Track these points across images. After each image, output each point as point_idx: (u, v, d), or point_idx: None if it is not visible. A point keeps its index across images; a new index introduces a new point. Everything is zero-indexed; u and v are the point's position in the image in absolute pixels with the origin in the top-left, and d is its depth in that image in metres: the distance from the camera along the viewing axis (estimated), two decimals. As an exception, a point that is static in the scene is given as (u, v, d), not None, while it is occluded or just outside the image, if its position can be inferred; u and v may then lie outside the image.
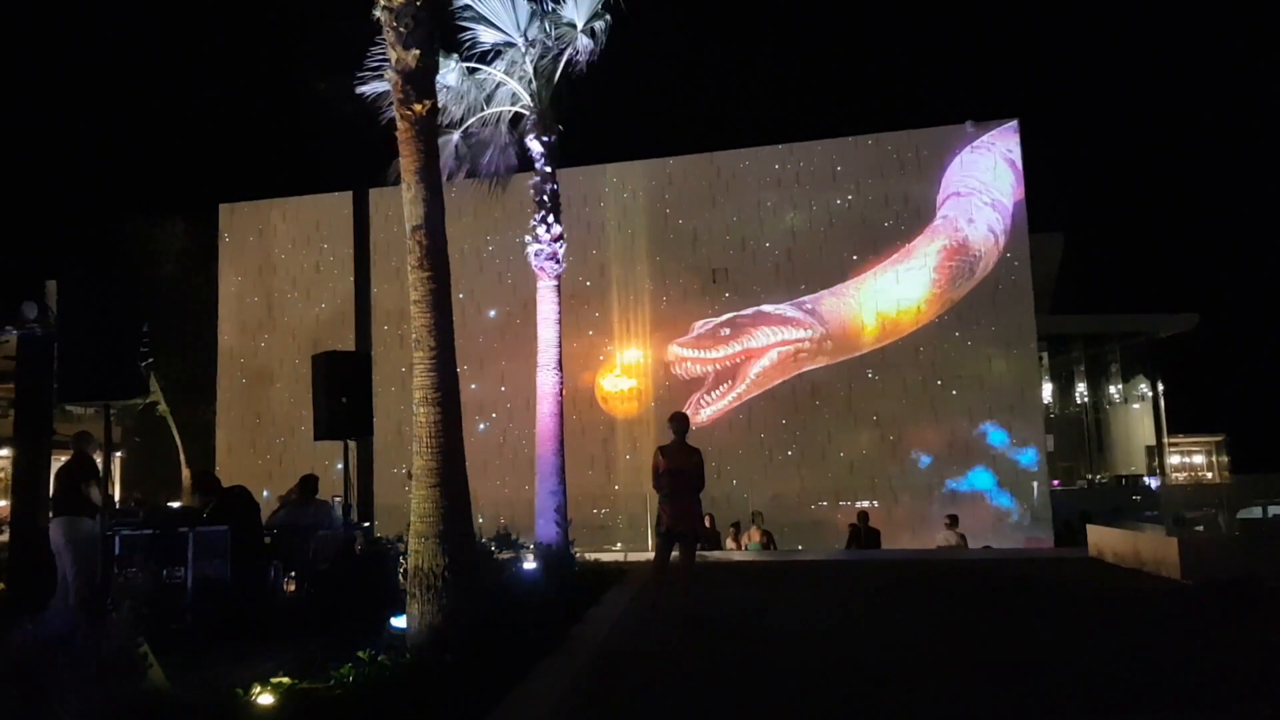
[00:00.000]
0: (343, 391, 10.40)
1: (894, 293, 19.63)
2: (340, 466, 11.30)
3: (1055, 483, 25.27)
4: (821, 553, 16.21)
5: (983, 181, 19.54)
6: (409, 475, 7.35)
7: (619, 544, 17.66)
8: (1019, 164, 19.43)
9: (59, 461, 9.75)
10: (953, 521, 16.42)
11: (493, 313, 21.10)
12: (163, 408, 26.28)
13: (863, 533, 16.35)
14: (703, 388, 20.08)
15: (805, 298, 20.10)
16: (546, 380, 12.28)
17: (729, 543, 16.89)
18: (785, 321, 19.95)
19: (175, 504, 19.14)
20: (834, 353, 19.92)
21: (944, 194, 19.69)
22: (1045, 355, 31.18)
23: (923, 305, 19.59)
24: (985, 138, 19.68)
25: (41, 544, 9.03)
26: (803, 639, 8.17)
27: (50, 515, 9.14)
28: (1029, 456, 18.86)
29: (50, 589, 8.65)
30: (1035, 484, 18.78)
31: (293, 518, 10.43)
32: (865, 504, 18.50)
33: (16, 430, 10.71)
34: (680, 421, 9.00)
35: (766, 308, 20.13)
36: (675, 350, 20.02)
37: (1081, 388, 36.78)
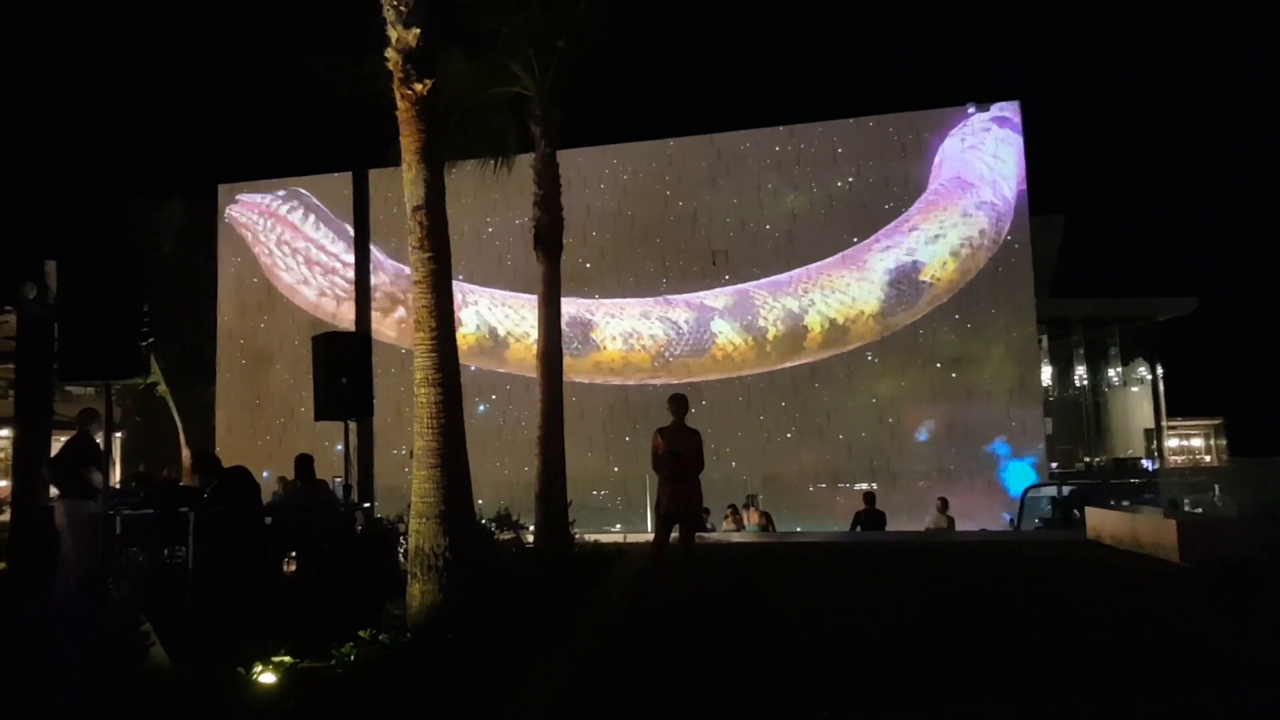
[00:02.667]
0: (343, 372, 10.40)
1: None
2: (340, 447, 11.31)
3: (1053, 465, 25.33)
4: (820, 534, 16.23)
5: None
6: (410, 456, 7.36)
7: (618, 525, 17.70)
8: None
9: (58, 441, 9.74)
10: (944, 505, 16.42)
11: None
12: (163, 388, 26.27)
13: (866, 515, 16.24)
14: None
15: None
16: (546, 361, 12.24)
17: (726, 523, 16.87)
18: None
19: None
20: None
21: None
22: (1045, 338, 31.17)
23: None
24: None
25: (42, 524, 9.04)
26: (802, 618, 8.19)
27: (54, 497, 9.14)
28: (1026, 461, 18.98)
29: (51, 568, 8.67)
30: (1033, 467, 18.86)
31: (293, 498, 10.45)
32: (865, 486, 18.52)
33: (17, 410, 10.71)
34: (679, 404, 8.99)
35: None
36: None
37: (1081, 370, 36.77)
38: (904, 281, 19.51)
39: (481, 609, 6.82)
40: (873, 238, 19.77)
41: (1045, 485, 18.32)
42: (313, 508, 10.08)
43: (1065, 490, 17.87)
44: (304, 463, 10.72)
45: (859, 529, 16.06)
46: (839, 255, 19.92)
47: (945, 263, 19.42)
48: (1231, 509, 13.41)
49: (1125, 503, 17.34)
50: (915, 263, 19.51)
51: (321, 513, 10.04)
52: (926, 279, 19.46)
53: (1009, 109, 19.67)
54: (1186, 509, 14.22)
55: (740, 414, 19.80)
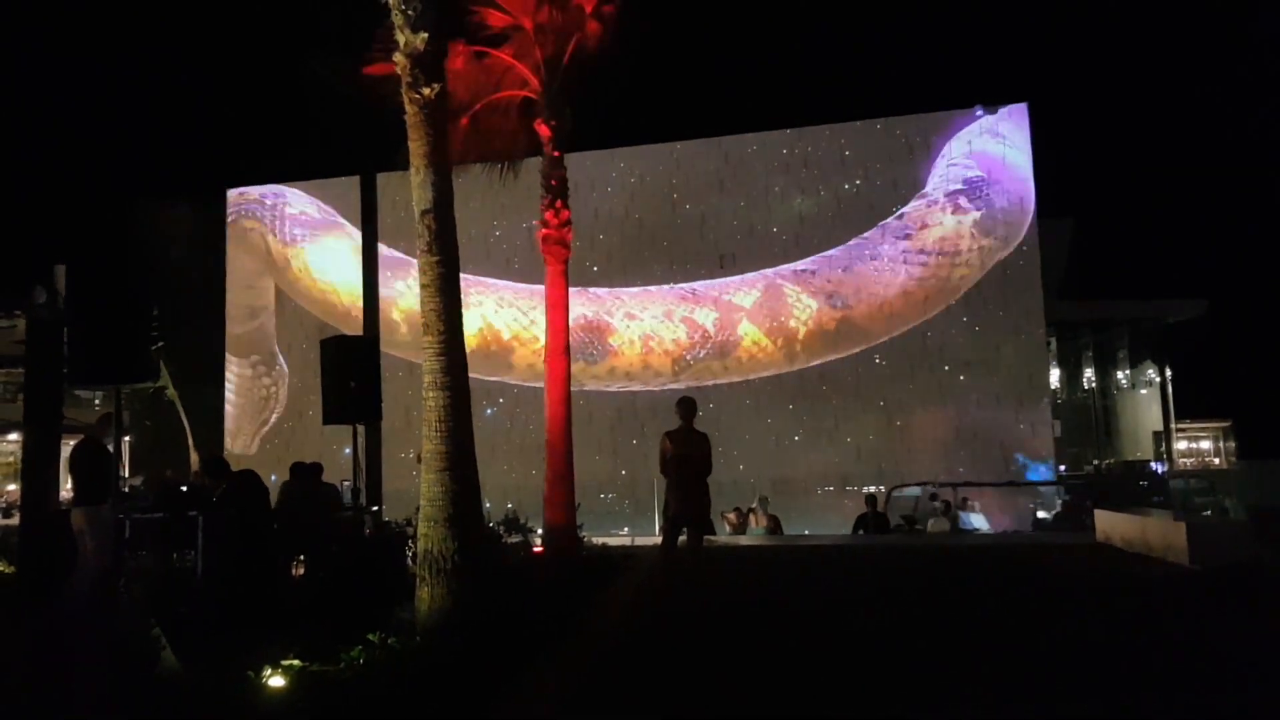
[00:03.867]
0: (351, 376, 10.41)
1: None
2: (349, 451, 11.34)
3: (1062, 468, 25.25)
4: (827, 537, 16.21)
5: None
6: (418, 460, 7.37)
7: (626, 529, 17.69)
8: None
9: (67, 446, 9.76)
10: (945, 508, 16.39)
11: (500, 297, 21.12)
12: (171, 391, 26.33)
13: (871, 518, 16.28)
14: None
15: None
16: (554, 365, 12.25)
17: (727, 526, 16.80)
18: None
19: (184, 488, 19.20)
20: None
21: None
22: (1053, 340, 31.09)
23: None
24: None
25: (52, 528, 9.05)
26: (807, 620, 8.18)
27: (70, 502, 9.16)
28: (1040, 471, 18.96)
29: (61, 572, 8.68)
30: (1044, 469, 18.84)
31: (301, 499, 10.48)
32: (872, 489, 18.48)
33: (27, 414, 10.73)
34: (687, 407, 8.98)
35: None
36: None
37: (1089, 373, 36.63)
38: (592, 332, 20.04)
39: (490, 612, 6.83)
40: (583, 288, 20.09)
41: (908, 486, 18.40)
42: (320, 510, 10.10)
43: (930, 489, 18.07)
44: (305, 469, 10.79)
45: (861, 532, 16.08)
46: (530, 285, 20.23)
47: (633, 342, 20.13)
48: (1242, 511, 13.37)
49: (973, 503, 17.46)
50: (609, 324, 20.18)
51: (328, 516, 10.05)
52: (614, 344, 20.15)
53: (1017, 110, 19.62)
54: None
55: (748, 417, 19.78)
